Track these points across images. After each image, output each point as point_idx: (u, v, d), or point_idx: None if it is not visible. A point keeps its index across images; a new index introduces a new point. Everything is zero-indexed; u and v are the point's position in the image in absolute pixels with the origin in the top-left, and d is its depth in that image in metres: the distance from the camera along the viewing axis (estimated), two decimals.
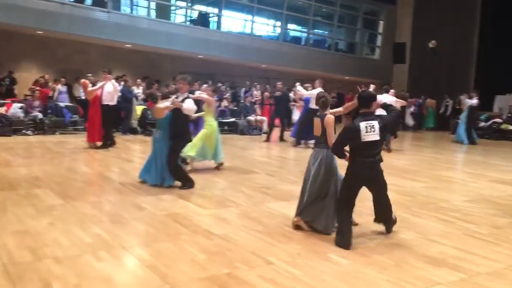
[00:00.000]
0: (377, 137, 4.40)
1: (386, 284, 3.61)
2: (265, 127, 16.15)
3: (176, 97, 6.70)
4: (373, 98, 4.63)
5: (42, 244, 4.13)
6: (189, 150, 7.80)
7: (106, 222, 4.90)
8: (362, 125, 4.37)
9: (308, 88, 12.60)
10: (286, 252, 4.22)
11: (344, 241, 4.39)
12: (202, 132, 8.20)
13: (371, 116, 4.48)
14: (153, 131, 7.18)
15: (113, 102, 10.78)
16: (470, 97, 15.29)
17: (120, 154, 9.89)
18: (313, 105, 11.93)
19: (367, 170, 4.49)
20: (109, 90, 10.58)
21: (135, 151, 10.83)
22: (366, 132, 4.36)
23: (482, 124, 18.23)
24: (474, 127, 15.72)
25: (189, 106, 6.60)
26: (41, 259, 3.80)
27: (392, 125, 4.89)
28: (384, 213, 4.87)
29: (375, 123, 4.39)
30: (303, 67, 21.04)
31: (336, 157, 4.74)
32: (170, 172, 6.64)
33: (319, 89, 12.15)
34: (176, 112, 6.56)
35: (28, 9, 14.28)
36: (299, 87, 12.35)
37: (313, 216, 4.82)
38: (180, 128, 6.66)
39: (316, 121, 4.90)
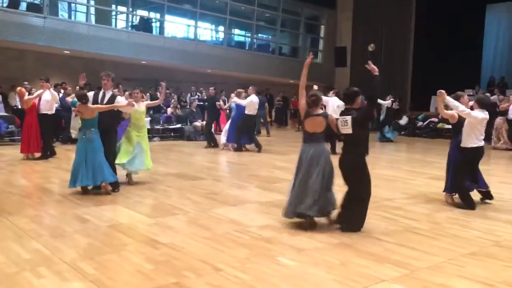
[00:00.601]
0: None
1: (333, 283, 3.68)
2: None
3: (103, 94, 6.96)
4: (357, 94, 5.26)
5: None
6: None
7: (46, 236, 4.70)
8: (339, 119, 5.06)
9: (241, 94, 12.83)
10: (235, 257, 4.21)
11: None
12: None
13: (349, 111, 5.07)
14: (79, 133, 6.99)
15: (52, 111, 10.39)
16: (385, 99, 16.37)
17: (61, 165, 9.51)
18: (249, 111, 12.32)
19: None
20: (47, 98, 10.19)
21: None
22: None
23: (419, 123, 19.04)
24: (390, 125, 16.64)
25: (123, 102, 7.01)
26: None
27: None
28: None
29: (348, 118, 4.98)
30: (248, 71, 21.19)
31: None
32: (111, 164, 6.74)
33: (253, 96, 12.41)
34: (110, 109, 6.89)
35: None
36: (235, 99, 12.63)
37: (325, 208, 5.13)
38: (111, 122, 6.98)
39: (317, 119, 5.15)
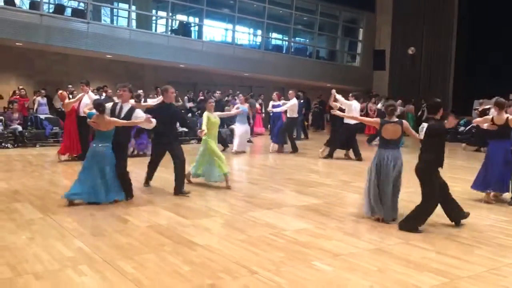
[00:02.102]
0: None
1: None
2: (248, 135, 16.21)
3: (120, 107, 6.51)
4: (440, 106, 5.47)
5: (22, 260, 4.05)
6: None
7: (87, 235, 4.84)
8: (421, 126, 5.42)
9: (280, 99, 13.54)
10: (270, 260, 4.21)
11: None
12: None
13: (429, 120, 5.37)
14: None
15: None
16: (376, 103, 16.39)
17: None
18: (291, 114, 12.55)
19: None
20: (86, 102, 10.47)
21: None
22: None
23: (461, 128, 18.51)
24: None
25: (141, 117, 6.47)
26: (20, 275, 3.73)
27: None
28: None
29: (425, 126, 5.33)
30: (285, 75, 21.16)
31: None
32: (121, 181, 6.35)
33: (294, 99, 12.52)
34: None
35: (7, 20, 14.12)
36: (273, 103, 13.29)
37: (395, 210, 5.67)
38: (124, 136, 6.55)
39: (395, 126, 5.70)
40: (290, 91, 13.08)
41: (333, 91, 11.86)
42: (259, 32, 22.42)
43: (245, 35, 23.52)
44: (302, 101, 18.60)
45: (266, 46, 22.12)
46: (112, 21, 19.11)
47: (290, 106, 12.62)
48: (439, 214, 6.14)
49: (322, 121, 22.81)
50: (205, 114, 7.78)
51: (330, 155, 11.82)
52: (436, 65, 22.80)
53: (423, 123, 5.43)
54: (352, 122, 11.72)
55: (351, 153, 12.03)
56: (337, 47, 24.64)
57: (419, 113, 21.21)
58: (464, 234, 5.26)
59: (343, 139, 11.94)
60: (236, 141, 12.34)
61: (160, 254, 4.32)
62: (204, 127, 7.60)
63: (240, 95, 13.05)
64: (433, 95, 17.88)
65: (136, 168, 9.57)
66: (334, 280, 3.80)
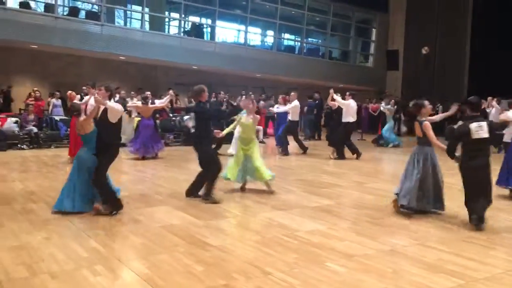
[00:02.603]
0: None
1: None
2: (261, 136, 16.19)
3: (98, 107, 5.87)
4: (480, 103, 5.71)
5: (38, 259, 4.10)
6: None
7: (102, 235, 4.88)
8: (473, 125, 5.32)
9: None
10: (283, 261, 4.21)
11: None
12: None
13: (477, 118, 5.42)
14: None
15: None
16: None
17: (114, 166, 9.83)
18: (293, 117, 12.44)
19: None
20: (93, 103, 10.45)
21: (129, 163, 10.79)
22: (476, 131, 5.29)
23: None
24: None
25: (114, 105, 5.82)
26: (36, 274, 3.77)
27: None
28: None
29: (483, 124, 5.35)
30: (297, 75, 21.15)
31: None
32: (98, 190, 5.70)
33: (296, 102, 12.41)
34: (102, 121, 5.78)
35: (22, 23, 14.32)
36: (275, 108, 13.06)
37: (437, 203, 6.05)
38: (107, 139, 5.79)
39: (416, 125, 6.06)
40: (292, 93, 12.87)
41: (331, 91, 11.90)
42: (271, 33, 22.43)
43: (257, 36, 23.56)
44: (316, 101, 18.61)
45: (278, 46, 22.13)
46: (125, 23, 19.28)
47: (292, 108, 12.45)
48: (455, 215, 6.08)
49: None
50: (239, 115, 7.46)
51: (341, 157, 11.78)
52: (451, 64, 22.61)
53: (479, 123, 5.33)
54: (352, 120, 11.79)
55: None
56: (350, 47, 24.55)
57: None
58: (480, 235, 5.20)
59: (344, 137, 11.97)
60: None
61: (174, 254, 4.33)
62: (228, 130, 7.52)
63: (280, 96, 12.95)
64: (447, 95, 17.77)
65: (147, 168, 9.64)
66: (348, 281, 3.78)
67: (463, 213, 6.26)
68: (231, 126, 7.71)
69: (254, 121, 7.30)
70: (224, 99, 16.19)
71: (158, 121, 14.92)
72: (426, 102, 6.29)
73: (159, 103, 11.54)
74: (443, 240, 4.97)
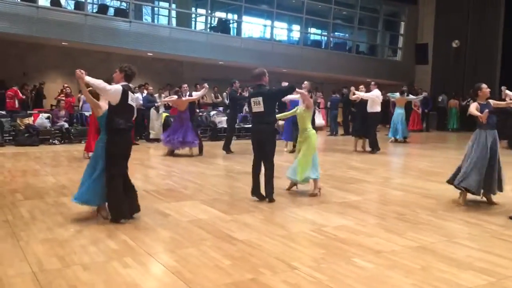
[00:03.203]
0: None
1: None
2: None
3: None
4: None
5: (70, 251, 4.22)
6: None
7: (131, 229, 4.98)
8: None
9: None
10: (310, 256, 4.21)
11: None
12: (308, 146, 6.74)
13: None
14: None
15: None
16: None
17: (143, 161, 10.02)
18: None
19: None
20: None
21: (157, 158, 10.95)
22: None
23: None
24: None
25: (96, 81, 5.14)
26: (69, 266, 3.88)
27: None
28: None
29: None
30: (324, 70, 21.01)
31: None
32: (106, 187, 5.14)
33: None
34: (108, 104, 5.26)
35: (53, 21, 14.66)
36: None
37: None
38: (107, 124, 5.15)
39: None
40: (305, 82, 11.64)
41: (352, 88, 11.79)
42: (297, 27, 22.32)
43: (283, 31, 23.47)
44: (337, 96, 18.49)
45: (305, 41, 22.00)
46: (153, 19, 19.50)
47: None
48: (485, 212, 5.97)
49: None
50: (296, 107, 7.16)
51: (375, 147, 11.71)
52: (482, 58, 22.04)
53: None
54: (378, 109, 11.70)
55: (367, 144, 12.08)
56: (378, 41, 24.22)
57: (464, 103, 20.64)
58: (511, 232, 5.08)
59: (374, 127, 11.90)
60: None
61: (201, 248, 4.39)
62: (284, 115, 7.29)
63: (306, 82, 11.88)
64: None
65: (175, 163, 9.77)
66: (375, 277, 3.76)
67: (493, 209, 6.14)
68: (288, 113, 7.48)
69: (308, 108, 6.78)
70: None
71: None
72: (484, 85, 6.26)
73: (195, 95, 11.38)
74: (472, 237, 4.89)
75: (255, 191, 6.37)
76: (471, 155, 6.18)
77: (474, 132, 6.31)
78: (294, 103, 10.91)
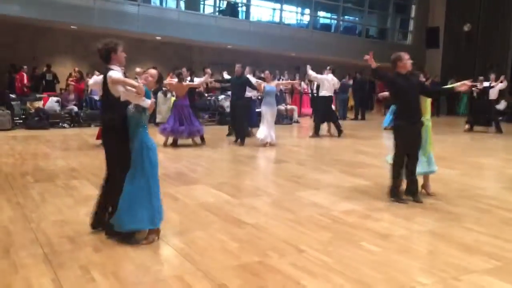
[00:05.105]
0: None
1: (419, 272, 3.59)
2: (295, 116, 16.14)
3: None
4: None
5: (82, 233, 4.27)
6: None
7: None
8: None
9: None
10: (318, 240, 4.23)
11: None
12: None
13: None
14: None
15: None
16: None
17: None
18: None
19: None
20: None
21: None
22: None
23: None
24: None
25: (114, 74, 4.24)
26: (81, 247, 3.94)
27: None
28: None
29: None
30: (333, 54, 20.83)
31: None
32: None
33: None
34: (107, 93, 4.27)
35: (62, 4, 14.65)
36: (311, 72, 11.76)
37: None
38: (113, 119, 4.18)
39: None
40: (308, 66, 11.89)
41: (308, 66, 11.61)
42: (307, 11, 22.10)
43: (292, 14, 23.25)
44: (355, 79, 18.37)
45: (314, 25, 21.81)
46: (161, 2, 19.39)
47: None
48: (494, 197, 5.95)
49: (370, 101, 22.35)
50: None
51: (317, 133, 12.00)
52: (493, 42, 21.72)
53: None
54: (328, 93, 11.72)
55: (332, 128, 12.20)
56: (388, 25, 23.94)
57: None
58: None
59: (323, 111, 12.07)
60: (263, 128, 10.16)
61: (210, 231, 4.43)
62: None
63: (267, 71, 10.68)
64: (490, 75, 17.13)
65: (183, 147, 9.79)
66: (382, 261, 3.78)
67: (502, 194, 6.11)
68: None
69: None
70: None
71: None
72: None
73: (197, 81, 10.96)
74: (481, 222, 4.88)
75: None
76: None
77: None
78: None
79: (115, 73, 4.18)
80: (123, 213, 3.98)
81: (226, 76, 12.75)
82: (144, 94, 3.96)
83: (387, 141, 11.35)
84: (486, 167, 8.24)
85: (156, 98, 13.90)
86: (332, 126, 12.27)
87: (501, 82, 13.88)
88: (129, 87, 4.01)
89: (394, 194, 5.57)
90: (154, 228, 4.09)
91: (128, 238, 4.02)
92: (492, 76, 14.34)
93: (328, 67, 12.32)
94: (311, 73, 11.64)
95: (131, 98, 4.03)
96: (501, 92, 14.94)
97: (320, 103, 12.17)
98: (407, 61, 5.70)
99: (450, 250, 4.03)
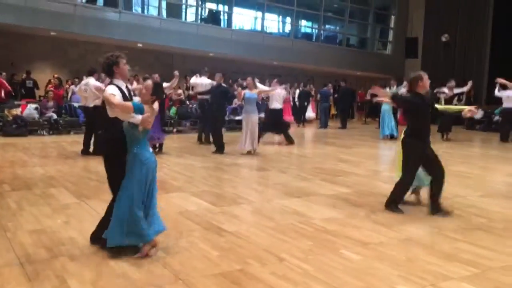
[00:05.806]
0: None
1: (398, 279, 3.61)
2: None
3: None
4: None
5: (58, 243, 4.20)
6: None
7: None
8: None
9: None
10: (298, 248, 4.23)
11: None
12: None
13: None
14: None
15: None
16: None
17: None
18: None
19: None
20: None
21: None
22: None
23: (496, 118, 18.01)
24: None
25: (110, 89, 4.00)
26: (57, 257, 3.87)
27: None
28: None
29: None
30: (314, 63, 21.05)
31: None
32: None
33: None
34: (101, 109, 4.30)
35: (42, 10, 14.49)
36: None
37: None
38: (111, 135, 4.13)
39: None
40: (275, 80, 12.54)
41: (249, 78, 10.76)
42: (288, 20, 22.28)
43: (274, 23, 23.42)
44: (329, 88, 18.58)
45: (295, 34, 22.00)
46: (143, 10, 19.34)
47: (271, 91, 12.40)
48: (473, 205, 6.04)
49: (351, 110, 22.56)
50: None
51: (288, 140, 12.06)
52: (471, 53, 22.21)
53: None
54: (279, 106, 11.84)
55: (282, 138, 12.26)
56: (368, 34, 24.28)
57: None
58: (497, 224, 5.16)
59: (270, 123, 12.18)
60: (243, 137, 10.10)
61: (190, 239, 4.40)
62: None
63: (249, 78, 10.55)
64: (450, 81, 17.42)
65: (164, 155, 9.73)
66: (362, 269, 3.80)
67: (480, 202, 6.21)
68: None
69: None
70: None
71: (175, 108, 14.88)
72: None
73: (165, 86, 10.36)
74: (459, 229, 4.94)
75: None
76: None
77: None
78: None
79: (111, 89, 4.01)
80: (111, 228, 3.93)
81: (195, 79, 12.74)
82: (132, 111, 3.88)
83: (368, 150, 11.46)
84: (465, 175, 8.36)
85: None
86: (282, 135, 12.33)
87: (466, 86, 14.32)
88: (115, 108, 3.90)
89: (393, 207, 5.57)
90: (146, 242, 3.97)
91: (117, 252, 3.92)
92: (452, 83, 14.61)
93: (275, 80, 12.45)
94: (259, 85, 11.42)
95: (119, 116, 3.98)
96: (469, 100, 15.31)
97: (271, 116, 12.20)
98: (427, 81, 5.58)
99: (429, 258, 4.07)
